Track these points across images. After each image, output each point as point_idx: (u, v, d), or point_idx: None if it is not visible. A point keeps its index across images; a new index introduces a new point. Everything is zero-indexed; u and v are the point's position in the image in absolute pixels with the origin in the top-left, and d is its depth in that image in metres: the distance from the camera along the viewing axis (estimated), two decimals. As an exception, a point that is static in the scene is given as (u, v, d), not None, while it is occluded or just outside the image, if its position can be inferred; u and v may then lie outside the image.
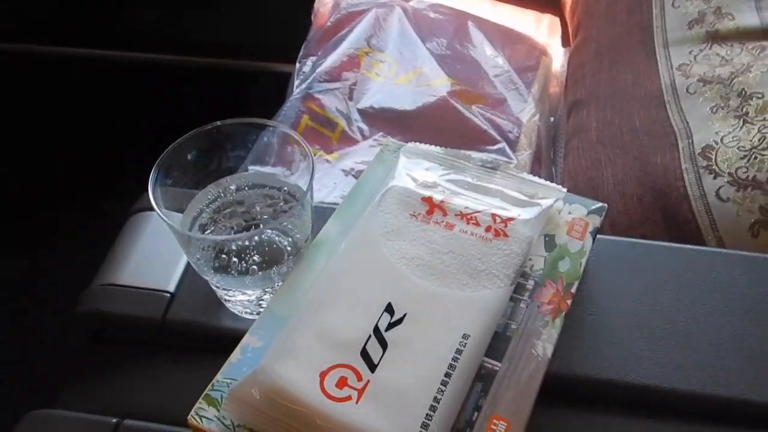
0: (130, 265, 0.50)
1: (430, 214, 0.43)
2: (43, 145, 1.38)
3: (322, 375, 0.36)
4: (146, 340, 0.46)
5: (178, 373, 0.44)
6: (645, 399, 0.42)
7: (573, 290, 0.42)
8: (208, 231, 0.45)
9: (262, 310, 0.45)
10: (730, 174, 0.59)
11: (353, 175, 0.78)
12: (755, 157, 0.58)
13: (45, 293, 1.14)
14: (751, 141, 0.59)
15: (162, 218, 0.40)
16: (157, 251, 0.50)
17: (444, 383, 0.35)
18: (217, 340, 0.45)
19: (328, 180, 0.78)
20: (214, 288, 0.45)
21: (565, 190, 0.45)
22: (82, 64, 1.35)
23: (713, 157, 0.61)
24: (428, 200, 0.43)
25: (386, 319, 0.38)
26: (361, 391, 0.35)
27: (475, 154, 0.47)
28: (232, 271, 0.43)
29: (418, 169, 0.46)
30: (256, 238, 0.44)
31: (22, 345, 1.09)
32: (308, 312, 0.39)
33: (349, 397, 0.35)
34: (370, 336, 0.37)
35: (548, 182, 0.45)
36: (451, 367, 0.36)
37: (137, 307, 0.47)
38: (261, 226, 0.45)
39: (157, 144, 0.46)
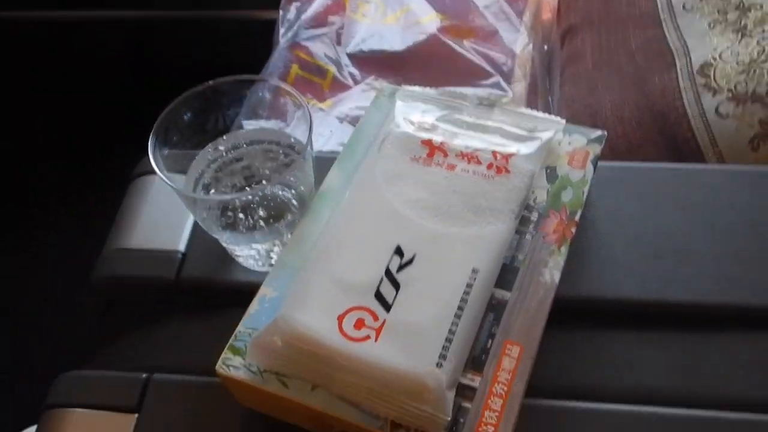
0: (140, 229, 0.50)
1: (431, 157, 0.43)
2: (26, 114, 1.37)
3: (340, 318, 0.37)
4: (162, 300, 0.47)
5: (197, 328, 0.45)
6: (650, 313, 0.43)
7: (576, 218, 0.42)
8: (212, 190, 0.45)
9: (273, 262, 0.46)
10: (729, 90, 0.58)
11: (348, 122, 0.78)
12: (754, 71, 0.58)
13: (54, 264, 1.15)
14: (750, 54, 0.59)
15: (166, 182, 0.41)
16: (163, 213, 0.51)
17: (457, 316, 0.37)
18: (231, 294, 0.46)
19: (323, 128, 0.77)
20: (224, 245, 0.46)
21: (563, 121, 0.45)
22: (57, 27, 1.32)
23: (711, 74, 0.60)
24: (428, 143, 0.44)
25: (396, 261, 0.39)
26: (378, 330, 0.36)
27: (470, 93, 0.48)
28: (240, 228, 0.44)
29: (415, 113, 0.46)
30: (261, 193, 0.44)
31: (42, 310, 1.10)
32: (320, 260, 0.40)
33: (367, 337, 0.36)
34: (382, 278, 0.38)
35: (546, 115, 0.45)
36: (463, 300, 0.37)
37: (151, 269, 0.47)
38: (263, 181, 0.45)
39: (150, 103, 0.45)
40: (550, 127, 0.45)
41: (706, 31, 0.64)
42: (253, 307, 0.40)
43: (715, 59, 0.61)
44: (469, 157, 0.43)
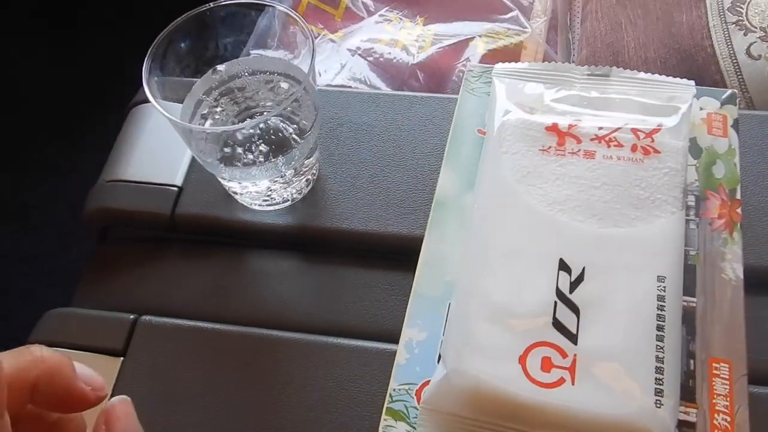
0: (136, 160, 0.48)
1: (561, 145, 0.37)
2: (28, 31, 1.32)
3: (522, 360, 0.31)
4: (156, 236, 0.45)
5: (191, 268, 0.44)
6: None
7: (738, 196, 0.38)
8: (210, 121, 0.43)
9: (271, 200, 0.44)
10: (762, 29, 0.55)
11: (360, 54, 0.74)
12: (790, 9, 0.54)
13: (54, 191, 1.13)
14: (786, -9, 0.55)
15: (160, 111, 0.38)
16: (161, 144, 0.49)
17: (660, 338, 0.31)
18: (228, 232, 0.45)
19: (334, 61, 0.74)
20: (221, 180, 0.44)
21: (692, 83, 0.39)
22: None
23: (744, 11, 0.56)
24: (554, 128, 0.37)
25: (565, 278, 0.33)
26: (572, 369, 0.31)
27: (574, 67, 0.41)
28: (238, 162, 0.42)
29: (520, 94, 0.40)
30: (262, 125, 0.42)
31: (39, 241, 1.09)
32: (472, 289, 0.34)
33: (562, 380, 0.30)
34: (555, 302, 0.32)
35: (672, 78, 0.39)
36: (660, 318, 0.32)
37: (146, 203, 0.46)
38: (265, 113, 0.43)
39: (152, 27, 0.42)
40: (682, 92, 0.38)
41: (742, -35, 0.60)
42: (402, 355, 0.35)
43: (749, -4, 0.57)
44: (608, 140, 0.37)
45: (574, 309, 0.32)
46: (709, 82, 0.56)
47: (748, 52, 0.55)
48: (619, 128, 0.37)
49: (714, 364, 0.33)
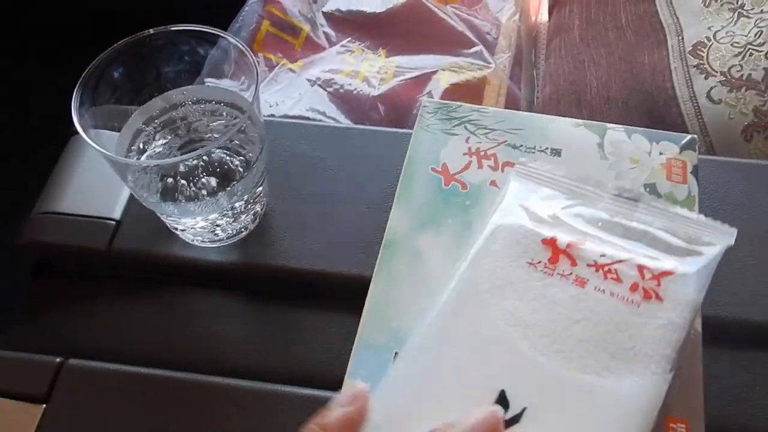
0: (72, 192, 0.45)
1: (554, 263, 0.33)
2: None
3: None
4: (91, 271, 0.43)
5: (126, 306, 0.41)
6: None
7: None
8: (150, 152, 0.40)
9: (214, 236, 0.42)
10: (722, 73, 0.54)
11: (320, 85, 0.73)
12: (750, 54, 0.54)
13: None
14: (746, 36, 0.55)
15: (93, 146, 0.35)
16: (101, 175, 0.46)
17: None
18: (167, 269, 0.42)
19: (292, 91, 0.72)
20: (162, 217, 0.41)
21: (734, 231, 0.34)
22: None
23: (705, 54, 0.56)
24: (551, 243, 0.33)
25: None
26: None
27: (610, 182, 0.37)
28: (180, 195, 0.39)
29: (533, 198, 0.36)
30: (205, 157, 0.39)
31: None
32: (397, 390, 0.31)
33: None
34: None
35: (712, 221, 0.34)
36: None
37: (81, 237, 0.43)
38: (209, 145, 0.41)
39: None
40: (716, 238, 0.33)
41: (701, 8, 0.60)
42: None
43: (709, 39, 0.57)
44: (606, 270, 0.32)
45: None
46: (670, 124, 0.56)
47: (708, 96, 0.54)
48: (623, 260, 0.32)
49: (671, 425, 0.31)
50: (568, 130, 0.40)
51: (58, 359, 0.38)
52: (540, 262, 0.33)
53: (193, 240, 0.42)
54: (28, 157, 0.82)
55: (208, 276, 0.42)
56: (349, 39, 0.79)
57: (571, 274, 0.32)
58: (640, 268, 0.32)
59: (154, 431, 0.36)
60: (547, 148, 0.39)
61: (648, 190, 0.37)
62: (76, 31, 1.20)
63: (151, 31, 0.39)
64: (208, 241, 0.42)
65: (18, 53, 1.24)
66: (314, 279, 0.41)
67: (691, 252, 0.33)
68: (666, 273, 0.32)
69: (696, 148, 0.39)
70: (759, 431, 0.36)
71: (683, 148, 0.39)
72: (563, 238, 0.33)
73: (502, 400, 0.29)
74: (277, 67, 0.74)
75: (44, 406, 0.37)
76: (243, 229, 0.43)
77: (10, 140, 1.13)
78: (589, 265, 0.32)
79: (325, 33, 0.79)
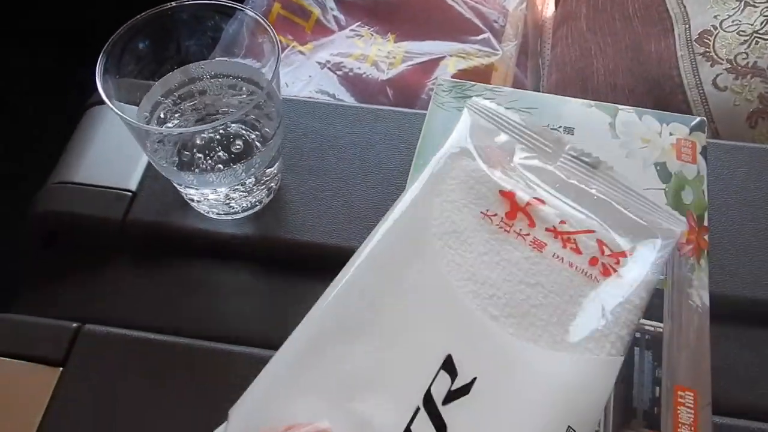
0: (88, 162, 0.46)
1: (511, 219, 0.30)
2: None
3: None
4: (105, 242, 0.43)
5: (140, 276, 0.42)
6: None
7: (706, 223, 0.36)
8: (168, 125, 0.41)
9: (229, 209, 0.42)
10: (728, 61, 0.55)
11: (329, 68, 0.73)
12: (756, 42, 0.55)
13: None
14: (752, 25, 0.56)
15: (114, 111, 0.37)
16: (117, 147, 0.47)
17: None
18: (182, 242, 0.43)
19: (302, 73, 0.73)
20: (178, 187, 0.42)
21: (684, 219, 0.33)
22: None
23: (711, 42, 0.57)
24: (509, 196, 0.30)
25: (444, 383, 0.25)
26: None
27: (565, 138, 0.35)
28: (195, 168, 0.40)
29: (488, 140, 0.33)
30: (221, 130, 0.40)
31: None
32: (318, 347, 0.27)
33: None
34: (418, 409, 0.25)
35: (667, 207, 0.33)
36: None
37: (96, 208, 0.43)
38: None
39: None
40: (674, 224, 0.32)
41: (709, -2, 0.61)
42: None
43: (715, 27, 0.58)
44: (566, 239, 0.30)
45: (439, 427, 0.24)
46: (676, 111, 0.56)
47: (714, 84, 0.55)
48: (585, 231, 0.30)
49: (679, 392, 0.31)
50: (580, 110, 0.40)
51: (74, 324, 0.39)
52: (496, 215, 0.30)
53: (208, 212, 0.43)
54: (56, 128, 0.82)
55: (221, 247, 0.43)
56: (358, 23, 0.79)
57: (528, 234, 0.30)
58: (600, 243, 0.30)
59: (165, 394, 0.37)
60: (560, 126, 0.40)
61: (659, 168, 0.38)
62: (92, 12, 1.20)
63: (173, 3, 0.40)
64: (224, 214, 0.43)
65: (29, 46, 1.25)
66: (327, 253, 0.42)
67: (650, 234, 0.31)
68: (624, 253, 0.30)
69: (705, 130, 0.40)
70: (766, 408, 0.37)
71: (693, 130, 0.40)
72: (522, 195, 0.30)
73: (449, 366, 0.25)
74: (287, 50, 0.75)
75: (61, 369, 0.37)
76: (258, 203, 0.43)
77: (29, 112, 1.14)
78: (548, 230, 0.30)
79: (335, 17, 0.80)
